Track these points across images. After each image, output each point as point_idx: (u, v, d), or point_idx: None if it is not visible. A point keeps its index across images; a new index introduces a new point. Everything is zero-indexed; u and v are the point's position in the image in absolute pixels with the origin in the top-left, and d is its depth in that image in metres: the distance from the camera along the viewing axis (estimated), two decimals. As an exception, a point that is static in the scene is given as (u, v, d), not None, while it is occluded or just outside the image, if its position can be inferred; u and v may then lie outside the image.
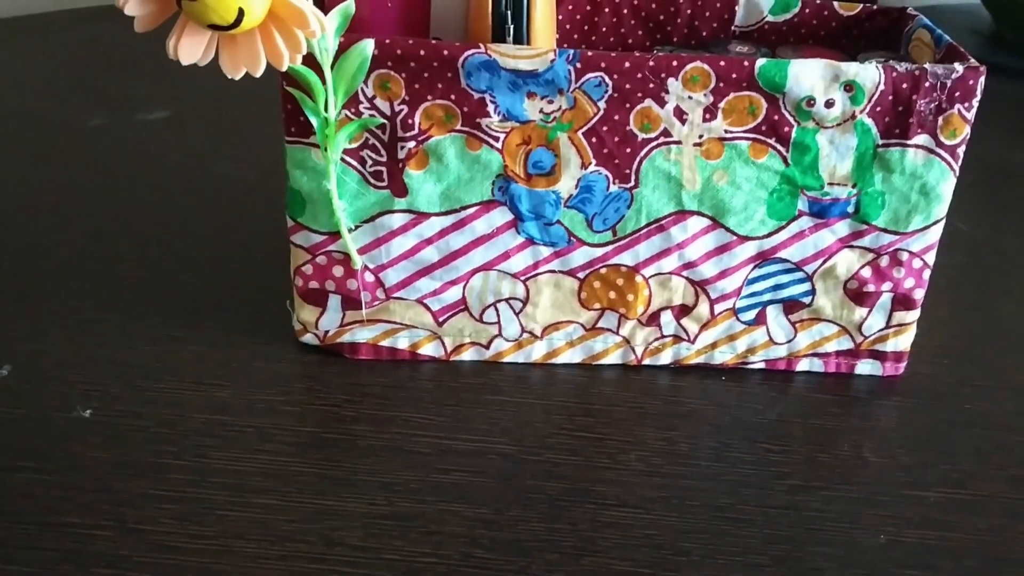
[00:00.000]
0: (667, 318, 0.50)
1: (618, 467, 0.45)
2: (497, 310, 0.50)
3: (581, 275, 0.49)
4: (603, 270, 0.48)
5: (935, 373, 0.52)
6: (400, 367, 0.51)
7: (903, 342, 0.50)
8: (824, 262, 0.48)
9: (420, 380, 0.50)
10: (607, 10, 0.54)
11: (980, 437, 0.48)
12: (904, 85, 0.44)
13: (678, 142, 0.45)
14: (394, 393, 0.49)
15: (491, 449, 0.45)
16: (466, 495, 0.43)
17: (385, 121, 0.45)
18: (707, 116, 0.45)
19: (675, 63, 0.44)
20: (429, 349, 0.51)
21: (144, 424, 0.46)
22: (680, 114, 0.45)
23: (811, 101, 0.44)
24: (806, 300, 0.49)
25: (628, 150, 0.45)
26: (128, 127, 0.76)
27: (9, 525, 0.40)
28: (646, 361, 0.51)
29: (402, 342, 0.51)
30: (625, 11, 0.54)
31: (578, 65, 0.43)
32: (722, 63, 0.43)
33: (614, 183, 0.46)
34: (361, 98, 0.44)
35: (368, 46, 0.43)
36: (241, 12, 0.37)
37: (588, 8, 0.54)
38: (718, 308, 0.49)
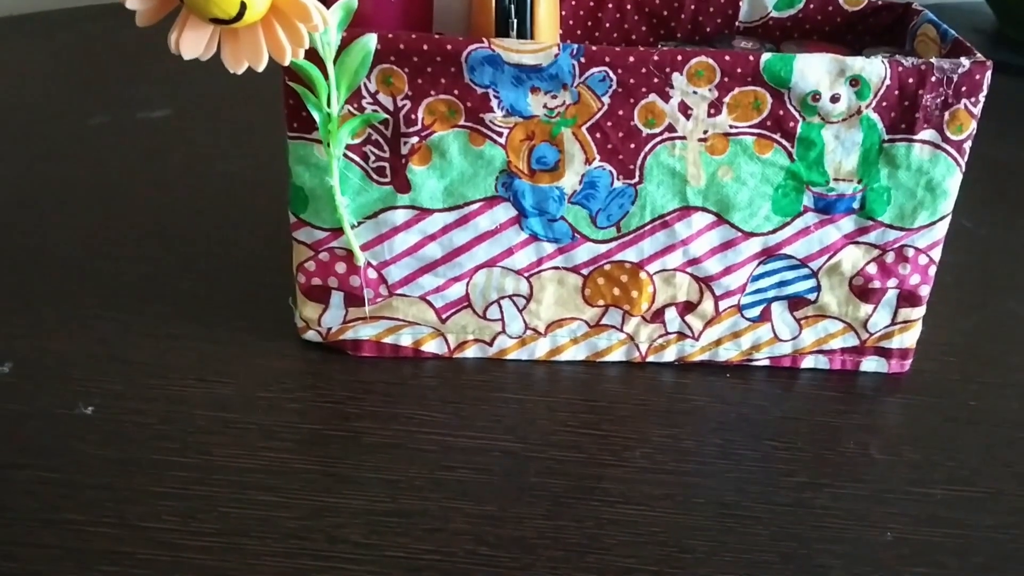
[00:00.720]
0: (671, 315, 0.50)
1: (623, 464, 0.44)
2: (500, 307, 0.49)
3: (585, 271, 0.48)
4: (607, 266, 0.48)
5: (941, 370, 0.52)
6: (403, 364, 0.50)
7: (908, 339, 0.50)
8: (829, 258, 0.48)
9: (423, 377, 0.50)
10: (610, 6, 0.53)
11: (986, 434, 0.47)
12: (910, 80, 0.43)
13: (683, 137, 0.45)
14: (397, 390, 0.48)
15: (495, 446, 0.45)
16: (470, 492, 0.43)
17: (388, 116, 0.45)
18: (712, 111, 0.44)
19: (679, 58, 0.43)
20: (432, 346, 0.51)
21: (146, 421, 0.46)
22: (685, 109, 0.44)
23: (816, 96, 0.44)
24: (811, 297, 0.49)
25: (632, 145, 0.45)
26: (130, 125, 0.76)
27: (10, 522, 0.40)
28: (650, 358, 0.51)
29: (405, 339, 0.50)
30: (629, 7, 0.54)
31: (582, 60, 0.43)
32: (727, 58, 0.43)
33: (618, 179, 0.46)
34: (364, 93, 0.44)
35: (371, 41, 0.43)
36: (243, 6, 0.37)
37: (591, 4, 0.53)
38: (723, 305, 0.49)
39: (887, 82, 0.43)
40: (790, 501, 0.43)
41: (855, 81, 0.43)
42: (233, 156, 0.72)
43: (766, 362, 0.51)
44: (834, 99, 0.44)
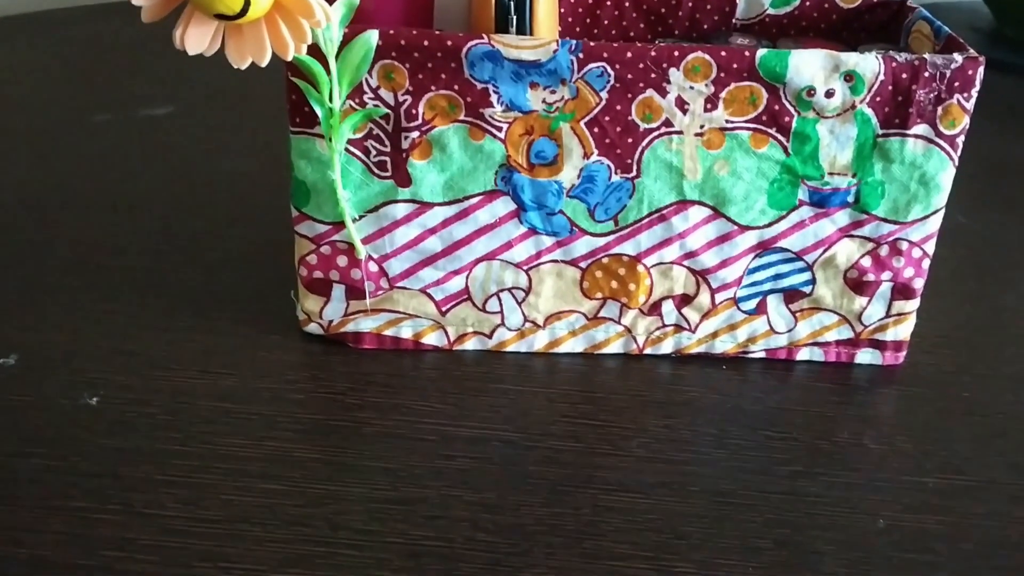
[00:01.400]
0: (668, 307, 0.50)
1: (620, 453, 0.45)
2: (500, 299, 0.50)
3: (583, 264, 0.49)
4: (605, 259, 0.49)
5: (935, 362, 0.52)
6: (403, 356, 0.51)
7: (903, 331, 0.51)
8: (824, 251, 0.48)
9: (423, 369, 0.50)
10: (609, 3, 0.54)
11: (979, 424, 0.48)
12: (904, 75, 0.44)
13: (679, 132, 0.46)
14: (397, 381, 0.49)
15: (494, 436, 0.46)
16: (469, 481, 0.43)
17: (389, 111, 0.45)
18: (708, 106, 0.45)
19: (676, 53, 0.44)
20: (432, 338, 0.51)
21: (150, 411, 0.46)
22: (682, 104, 0.45)
23: (811, 91, 0.44)
24: (806, 289, 0.50)
25: (630, 140, 0.46)
26: (133, 122, 0.77)
27: (17, 509, 0.41)
28: (647, 350, 0.51)
29: (405, 331, 0.51)
30: (627, 4, 0.54)
31: (580, 55, 0.44)
32: (723, 53, 0.44)
33: (616, 173, 0.47)
34: (365, 88, 0.45)
35: (372, 36, 0.43)
36: (247, 2, 0.38)
37: (590, 1, 0.54)
38: (719, 297, 0.50)
39: (881, 77, 0.44)
40: (784, 489, 0.43)
41: (849, 76, 0.44)
42: (236, 151, 0.73)
43: (762, 354, 0.51)
44: (829, 94, 0.44)
